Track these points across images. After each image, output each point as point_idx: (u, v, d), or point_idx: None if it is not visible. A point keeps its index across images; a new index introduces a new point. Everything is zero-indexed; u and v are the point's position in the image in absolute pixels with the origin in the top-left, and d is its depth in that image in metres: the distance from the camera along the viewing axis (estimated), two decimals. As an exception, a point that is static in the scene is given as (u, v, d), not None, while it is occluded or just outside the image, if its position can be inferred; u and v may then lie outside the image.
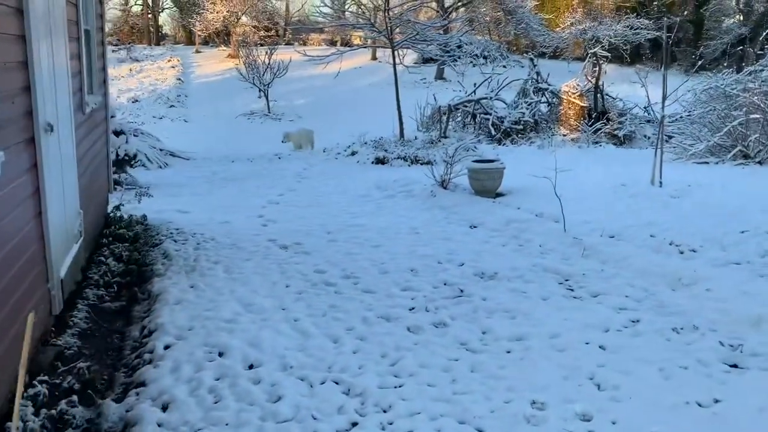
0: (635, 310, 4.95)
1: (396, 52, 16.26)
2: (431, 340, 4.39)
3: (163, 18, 56.72)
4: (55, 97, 4.24)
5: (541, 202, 8.75)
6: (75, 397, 3.47)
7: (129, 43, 44.45)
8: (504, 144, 16.55)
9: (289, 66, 25.36)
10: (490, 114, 17.46)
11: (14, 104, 3.43)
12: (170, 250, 6.42)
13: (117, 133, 11.05)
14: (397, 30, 16.73)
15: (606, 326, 4.64)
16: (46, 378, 3.59)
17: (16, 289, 3.45)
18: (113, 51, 39.48)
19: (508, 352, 4.25)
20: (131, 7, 55.33)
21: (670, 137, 14.16)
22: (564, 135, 17.43)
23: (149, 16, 53.60)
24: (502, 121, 17.30)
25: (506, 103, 18.41)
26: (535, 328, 4.61)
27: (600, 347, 4.29)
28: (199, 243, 6.83)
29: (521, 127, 17.42)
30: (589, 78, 18.08)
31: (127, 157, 11.06)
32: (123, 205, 7.46)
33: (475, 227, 8.00)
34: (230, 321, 4.61)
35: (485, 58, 34.09)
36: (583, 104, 17.59)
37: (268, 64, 24.56)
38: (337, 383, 3.77)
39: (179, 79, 31.47)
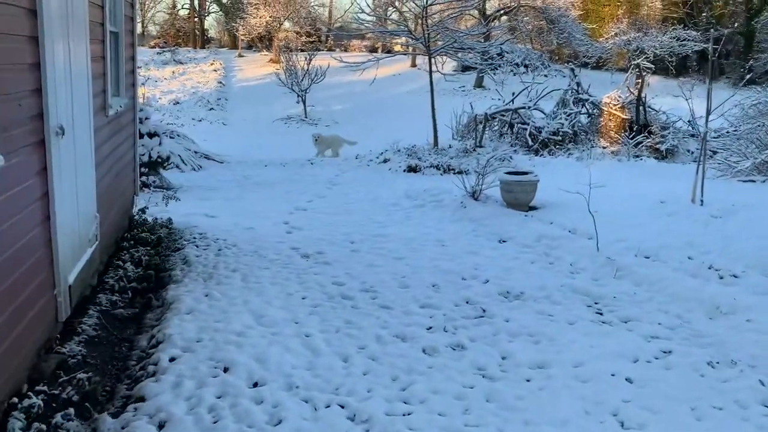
0: (668, 339, 4.64)
1: (434, 60, 16.08)
2: (447, 364, 4.17)
3: (209, 22, 57.72)
4: (71, 99, 4.17)
5: (575, 217, 8.43)
6: (72, 410, 3.35)
7: (174, 46, 45.32)
8: (541, 155, 16.19)
9: (327, 72, 25.40)
10: (528, 124, 17.11)
11: (21, 106, 3.35)
12: (191, 256, 6.34)
13: (151, 135, 11.11)
14: (436, 37, 16.54)
15: (635, 356, 4.35)
16: (45, 388, 3.49)
17: (17, 295, 3.37)
18: (158, 53, 40.38)
19: (528, 380, 4.00)
20: (178, 10, 56.54)
21: (715, 153, 13.61)
22: (604, 147, 16.97)
23: (195, 19, 54.60)
24: (540, 132, 16.93)
25: (545, 113, 18.04)
26: (558, 354, 4.34)
27: (627, 380, 4.01)
28: (220, 249, 6.74)
29: (559, 138, 17.03)
30: (632, 90, 17.60)
31: (159, 159, 11.11)
32: (147, 208, 7.43)
33: (504, 242, 7.74)
34: (240, 334, 4.47)
35: (526, 66, 33.65)
36: (624, 116, 17.11)
37: (307, 69, 24.62)
38: (342, 407, 3.58)
39: (220, 83, 31.84)
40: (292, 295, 5.33)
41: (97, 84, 5.18)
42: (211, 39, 56.53)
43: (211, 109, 25.75)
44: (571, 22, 33.05)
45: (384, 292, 5.50)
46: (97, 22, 5.26)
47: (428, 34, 15.59)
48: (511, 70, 32.76)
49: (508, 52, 32.41)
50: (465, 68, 33.12)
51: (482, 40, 18.00)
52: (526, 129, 17.04)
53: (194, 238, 7.11)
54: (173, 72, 34.09)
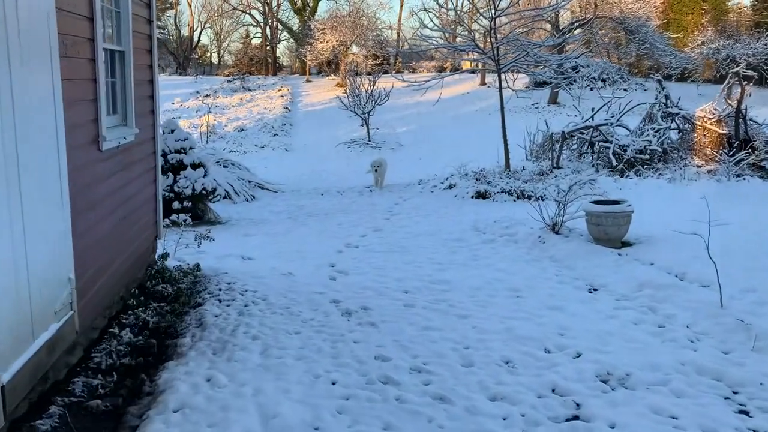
0: None
1: (504, 76, 14.72)
2: None
3: (281, 50, 58.54)
4: (13, 133, 3.13)
5: (681, 255, 6.88)
6: None
7: (243, 74, 45.74)
8: (627, 176, 14.44)
9: (392, 94, 24.40)
10: (611, 142, 15.40)
11: None
12: (208, 316, 5.23)
13: (195, 166, 10.26)
14: (506, 53, 15.17)
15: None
16: None
17: None
18: (228, 81, 40.70)
19: None
20: (251, 39, 57.52)
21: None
22: (698, 166, 15.04)
23: (267, 47, 55.33)
24: (625, 150, 15.19)
25: (629, 130, 16.27)
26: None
27: None
28: (246, 305, 5.61)
29: (647, 156, 15.22)
30: (730, 101, 15.61)
31: (204, 192, 10.23)
32: (168, 255, 6.42)
33: (595, 290, 6.27)
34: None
35: (604, 81, 31.69)
36: (721, 131, 15.16)
37: (371, 92, 23.69)
38: None
39: (286, 108, 31.45)
40: (319, 377, 4.09)
41: (79, 112, 4.16)
42: (283, 66, 57.15)
43: (275, 134, 25.17)
44: (652, 31, 30.91)
45: (441, 373, 4.18)
46: (83, 37, 4.27)
47: (497, 47, 14.26)
48: (588, 85, 30.88)
49: (583, 66, 30.60)
50: (538, 84, 31.51)
51: (556, 53, 16.51)
52: (609, 148, 15.34)
53: (220, 290, 6.01)
54: (241, 99, 34.03)
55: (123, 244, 5.29)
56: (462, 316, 5.41)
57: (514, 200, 12.10)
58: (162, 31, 55.34)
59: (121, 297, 5.27)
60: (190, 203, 10.05)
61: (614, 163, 14.87)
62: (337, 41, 41.79)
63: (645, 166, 15.01)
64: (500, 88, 15.03)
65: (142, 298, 5.45)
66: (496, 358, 4.43)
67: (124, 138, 5.15)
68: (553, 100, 29.29)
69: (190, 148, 10.30)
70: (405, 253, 8.10)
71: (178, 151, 10.18)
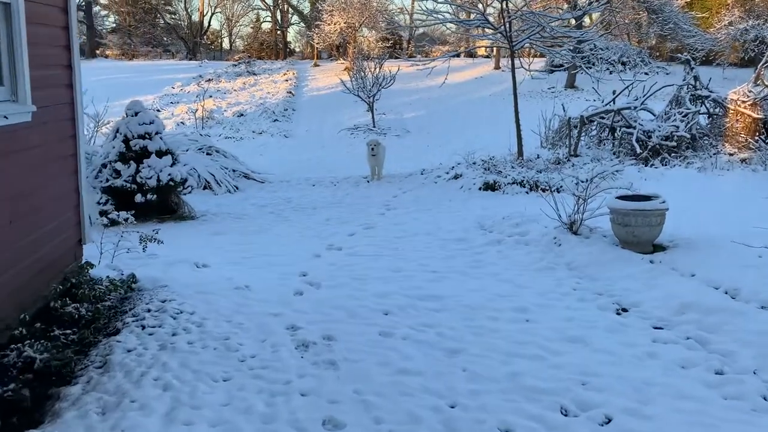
0: None
1: (519, 58, 13.30)
2: None
3: (292, 34, 57.37)
4: None
5: (728, 264, 5.57)
6: None
7: (249, 58, 44.52)
8: (652, 164, 13.02)
9: (400, 77, 23.01)
10: (634, 127, 13.95)
11: None
12: (117, 352, 3.99)
13: (161, 153, 9.01)
14: (520, 28, 13.73)
15: None
16: None
17: None
18: (233, 65, 39.49)
19: None
20: (261, 23, 56.27)
21: None
22: (731, 154, 13.58)
23: (278, 32, 54.06)
24: (650, 136, 13.74)
25: (654, 114, 14.81)
26: None
27: None
28: (175, 333, 4.35)
29: (674, 143, 13.76)
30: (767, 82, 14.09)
31: (172, 183, 8.98)
32: (88, 263, 5.17)
33: (625, 311, 4.96)
34: None
35: (624, 64, 30.08)
36: (756, 115, 13.65)
37: (376, 74, 22.32)
38: None
39: (290, 93, 30.18)
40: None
41: None
42: (294, 51, 55.87)
43: (276, 120, 23.87)
44: (675, 11, 29.20)
45: (411, 453, 2.91)
46: None
47: (509, 22, 12.84)
48: (607, 68, 29.29)
49: (603, 49, 29.00)
50: (553, 69, 29.94)
51: (574, 30, 15.05)
52: (632, 134, 13.90)
53: (149, 310, 4.77)
54: (244, 83, 32.76)
55: (9, 254, 4.05)
56: (452, 352, 4.11)
57: (527, 192, 10.77)
58: (173, 16, 54.28)
59: (6, 326, 4.04)
60: (155, 196, 8.81)
61: (638, 150, 13.44)
62: (345, 23, 40.41)
63: (672, 154, 13.57)
64: (512, 68, 13.62)
65: (39, 324, 4.21)
66: (491, 426, 3.14)
67: (5, 118, 3.89)
68: (571, 84, 27.73)
69: (156, 133, 9.04)
70: (395, 257, 6.82)
71: (142, 137, 8.93)
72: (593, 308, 5.06)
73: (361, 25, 40.47)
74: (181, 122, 23.12)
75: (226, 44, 60.21)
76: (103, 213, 8.76)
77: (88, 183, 8.95)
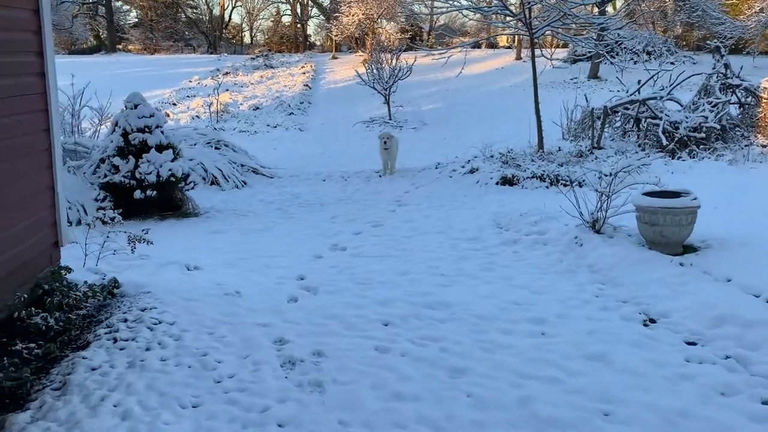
0: None
1: (541, 48, 12.67)
2: None
3: (312, 27, 57.12)
4: None
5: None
6: None
7: (268, 51, 44.22)
8: (679, 157, 12.35)
9: (418, 69, 22.45)
10: (660, 118, 13.27)
11: None
12: (80, 370, 3.58)
13: (161, 148, 8.62)
14: (540, 14, 13.11)
15: None
16: None
17: None
18: (252, 59, 39.17)
19: None
20: (281, 16, 55.99)
21: None
22: (764, 146, 12.85)
23: (298, 25, 53.74)
24: (677, 128, 13.06)
25: (682, 105, 14.09)
26: None
27: None
28: (149, 348, 3.92)
29: (703, 135, 13.06)
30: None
31: (173, 178, 8.59)
32: (66, 267, 4.76)
33: (653, 323, 4.44)
34: None
35: (649, 54, 29.18)
36: (792, 105, 12.92)
37: (392, 66, 21.78)
38: None
39: (306, 86, 29.75)
40: None
41: None
42: (314, 45, 55.52)
43: (291, 113, 23.45)
44: (704, -4, 28.25)
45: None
46: None
47: (529, 8, 12.24)
48: (632, 58, 28.43)
49: (627, 39, 28.15)
50: (576, 60, 29.13)
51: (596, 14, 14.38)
52: (658, 125, 13.22)
53: (125, 320, 4.34)
54: (261, 76, 32.39)
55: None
56: (456, 371, 3.63)
57: (547, 187, 10.22)
58: (194, 11, 54.17)
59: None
60: (154, 192, 8.43)
61: (664, 142, 12.76)
62: (363, 15, 39.92)
63: (700, 146, 12.89)
64: (533, 57, 13.04)
65: (7, 337, 3.82)
66: (497, 471, 2.66)
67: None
68: (594, 74, 26.93)
69: (156, 127, 8.64)
70: (402, 258, 6.34)
71: (141, 130, 8.54)
72: (617, 318, 4.54)
73: (379, 17, 39.93)
74: (197, 116, 22.82)
75: (247, 38, 60.05)
76: (100, 210, 8.42)
77: (84, 179, 8.63)
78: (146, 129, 8.59)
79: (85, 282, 4.88)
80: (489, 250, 6.67)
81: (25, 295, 4.16)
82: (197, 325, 4.29)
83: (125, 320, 4.32)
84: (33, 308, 4.20)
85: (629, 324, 4.42)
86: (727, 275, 5.16)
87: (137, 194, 8.39)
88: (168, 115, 22.65)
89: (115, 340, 4.01)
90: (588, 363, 3.73)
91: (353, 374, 3.58)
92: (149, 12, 50.87)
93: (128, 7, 53.70)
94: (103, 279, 5.11)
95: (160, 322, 4.28)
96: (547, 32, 13.13)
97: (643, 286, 5.15)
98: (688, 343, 4.06)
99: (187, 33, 54.53)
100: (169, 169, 8.57)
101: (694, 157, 12.34)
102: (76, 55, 43.36)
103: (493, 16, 13.68)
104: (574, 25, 13.31)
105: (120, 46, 49.14)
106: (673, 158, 12.27)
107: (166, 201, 8.90)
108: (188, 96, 26.95)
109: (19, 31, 4.32)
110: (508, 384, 3.46)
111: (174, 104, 24.87)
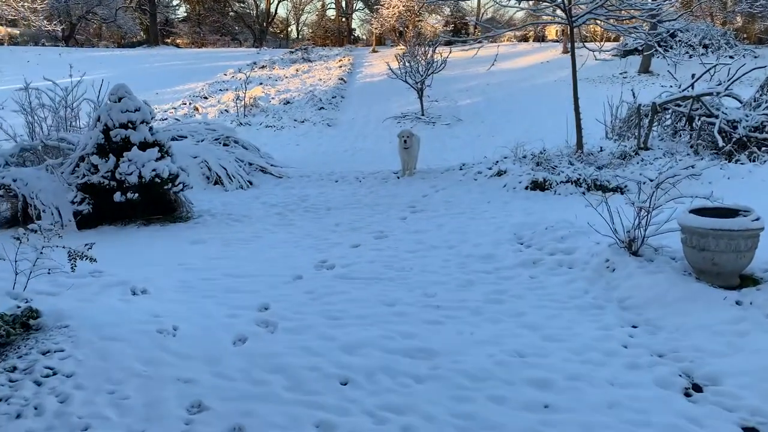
0: None
1: (582, 42, 11.40)
2: None
3: (357, 21, 56.70)
4: None
5: None
6: None
7: (311, 45, 43.62)
8: (737, 161, 10.93)
9: (457, 63, 21.30)
10: (716, 116, 11.84)
11: None
12: None
13: (145, 146, 7.78)
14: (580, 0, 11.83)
15: None
16: None
17: None
18: (290, 52, 38.54)
19: None
20: (326, 10, 55.49)
21: None
22: (836, 149, 11.32)
23: (342, 19, 53.17)
24: (735, 127, 11.61)
25: (741, 102, 12.60)
26: None
27: None
28: (19, 414, 2.99)
29: (765, 135, 11.59)
30: None
31: (159, 179, 7.75)
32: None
33: (698, 392, 3.31)
34: None
35: (705, 47, 27.27)
36: None
37: (427, 59, 20.69)
38: None
39: (341, 79, 28.91)
40: None
41: None
42: (358, 38, 54.84)
43: (321, 108, 22.59)
44: (769, -14, 26.18)
45: None
46: None
47: (568, -8, 10.99)
48: (687, 52, 26.61)
49: (682, 31, 26.32)
50: (626, 53, 27.44)
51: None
52: (713, 124, 11.80)
53: (13, 368, 3.44)
54: (297, 70, 31.70)
55: None
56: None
57: (582, 193, 9.03)
58: (241, 5, 54.01)
59: None
60: (136, 194, 7.60)
61: (720, 143, 11.34)
62: (404, 6, 38.91)
63: (762, 148, 11.43)
64: (572, 48, 11.80)
65: None
66: None
67: None
68: (645, 69, 25.24)
69: (143, 122, 7.80)
70: (395, 282, 5.31)
71: (124, 126, 7.72)
72: (650, 383, 3.43)
73: (420, 8, 38.80)
74: (225, 110, 22.21)
75: (294, 33, 59.83)
76: (77, 214, 7.65)
77: (62, 179, 7.87)
78: (130, 125, 7.76)
79: (9, 312, 4.02)
80: (502, 273, 5.59)
81: None
82: (101, 378, 3.36)
83: (14, 368, 3.43)
84: None
85: (667, 393, 3.30)
86: (799, 322, 3.98)
87: (117, 197, 7.58)
88: (197, 109, 22.08)
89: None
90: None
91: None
92: (197, 6, 51.04)
93: (178, 1, 54.00)
94: (23, 306, 4.25)
95: (54, 374, 3.38)
96: (589, 21, 11.83)
97: (686, 333, 4.01)
98: (746, 430, 2.93)
99: (234, 27, 54.51)
100: (153, 170, 7.72)
101: (754, 161, 10.91)
102: (123, 48, 43.60)
103: (531, 2, 12.41)
104: (620, 13, 11.96)
105: (169, 40, 49.39)
106: (729, 161, 10.88)
107: (156, 203, 8.09)
108: (221, 89, 26.38)
109: None
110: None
111: (205, 98, 24.33)
